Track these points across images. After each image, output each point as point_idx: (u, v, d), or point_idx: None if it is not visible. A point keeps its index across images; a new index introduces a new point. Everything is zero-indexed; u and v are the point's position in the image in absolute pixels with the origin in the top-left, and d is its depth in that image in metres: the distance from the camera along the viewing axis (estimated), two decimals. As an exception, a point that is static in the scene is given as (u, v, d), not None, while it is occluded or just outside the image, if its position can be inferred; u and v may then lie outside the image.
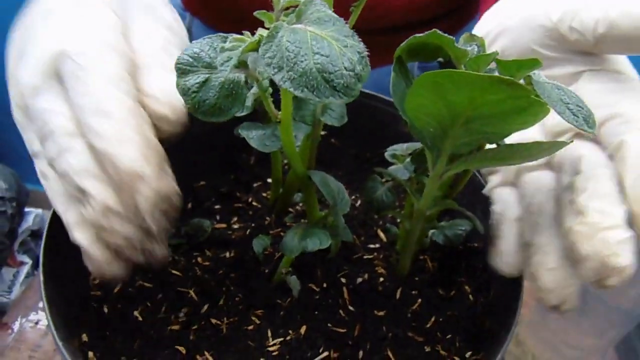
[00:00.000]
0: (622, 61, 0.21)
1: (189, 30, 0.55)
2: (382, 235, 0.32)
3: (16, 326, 0.49)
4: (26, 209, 0.71)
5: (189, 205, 0.36)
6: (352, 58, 0.14)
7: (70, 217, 0.20)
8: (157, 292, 0.29)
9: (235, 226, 0.34)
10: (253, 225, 0.33)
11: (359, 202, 0.34)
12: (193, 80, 0.17)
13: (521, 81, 0.17)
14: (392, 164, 0.27)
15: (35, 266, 0.70)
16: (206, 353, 0.25)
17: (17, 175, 0.67)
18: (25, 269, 0.67)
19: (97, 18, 0.20)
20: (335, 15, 0.15)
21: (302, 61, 0.14)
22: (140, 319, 0.28)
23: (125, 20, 0.22)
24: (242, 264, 0.30)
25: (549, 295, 0.19)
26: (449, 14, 0.43)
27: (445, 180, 0.20)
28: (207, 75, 0.17)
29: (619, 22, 0.19)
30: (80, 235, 0.20)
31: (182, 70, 0.17)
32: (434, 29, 0.17)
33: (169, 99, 0.20)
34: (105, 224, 0.19)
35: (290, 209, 0.33)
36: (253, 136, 0.22)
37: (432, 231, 0.28)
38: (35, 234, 0.71)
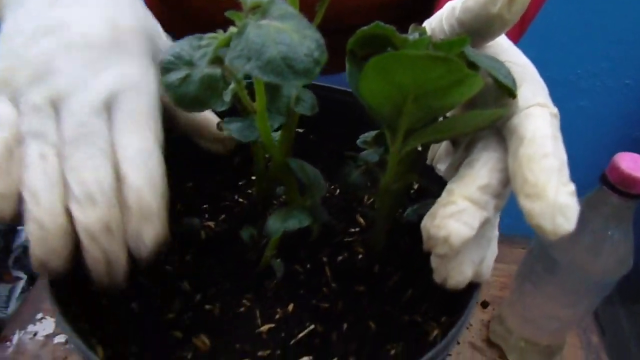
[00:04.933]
0: (501, 46, 0.24)
1: None
2: (360, 220, 0.34)
3: (15, 339, 0.50)
4: (18, 227, 0.72)
5: (179, 207, 0.38)
6: (310, 46, 0.17)
7: (46, 201, 0.21)
8: (151, 286, 0.31)
9: (223, 222, 0.36)
10: (240, 219, 0.35)
11: (337, 191, 0.36)
12: (175, 76, 0.20)
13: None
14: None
15: (30, 281, 0.71)
16: (202, 335, 0.27)
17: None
18: (21, 285, 0.68)
19: (143, 52, 0.24)
20: (295, 11, 0.18)
21: (266, 51, 0.16)
22: (136, 310, 0.29)
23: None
24: (230, 255, 0.32)
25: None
26: (411, 17, 0.46)
27: (404, 156, 0.22)
28: (187, 72, 0.20)
29: (466, 19, 0.21)
30: (49, 220, 0.21)
31: (166, 68, 0.20)
32: (376, 21, 0.20)
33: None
34: (97, 235, 0.21)
35: (275, 202, 0.35)
36: (233, 128, 0.24)
37: (407, 211, 0.31)
38: (28, 250, 0.71)
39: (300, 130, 0.39)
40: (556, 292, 0.42)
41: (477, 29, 0.22)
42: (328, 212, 0.32)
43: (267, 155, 0.34)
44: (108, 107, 0.22)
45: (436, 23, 0.24)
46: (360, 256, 0.30)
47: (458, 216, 0.19)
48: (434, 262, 0.21)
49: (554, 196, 0.18)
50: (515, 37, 0.38)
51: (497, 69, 0.20)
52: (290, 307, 0.28)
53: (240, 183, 0.39)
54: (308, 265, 0.29)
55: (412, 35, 0.22)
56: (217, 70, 0.20)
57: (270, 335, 0.27)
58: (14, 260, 0.69)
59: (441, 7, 0.33)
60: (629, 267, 0.40)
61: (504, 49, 0.24)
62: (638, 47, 1.06)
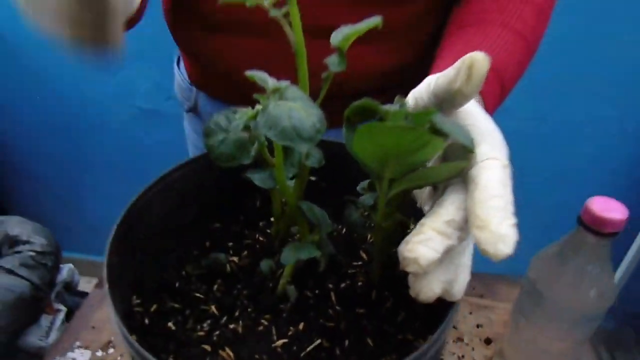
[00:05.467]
0: (469, 112, 0.29)
1: (196, 102, 0.66)
2: (363, 255, 0.39)
3: (56, 365, 0.56)
4: (61, 265, 0.79)
5: (207, 244, 0.44)
6: (314, 120, 0.23)
7: None
8: (185, 310, 0.37)
9: (246, 257, 0.42)
10: (260, 255, 0.41)
11: (344, 230, 0.42)
12: (215, 139, 0.26)
13: (428, 125, 0.26)
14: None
15: (69, 314, 0.77)
16: (227, 349, 0.33)
17: (52, 234, 0.76)
18: (61, 317, 0.74)
19: None
20: (304, 94, 0.25)
21: (282, 123, 0.23)
22: (173, 328, 0.35)
23: None
24: (252, 284, 0.38)
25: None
26: (402, 85, 0.53)
27: (390, 199, 0.28)
28: (224, 136, 0.27)
29: (438, 92, 0.27)
30: None
31: (209, 133, 0.26)
32: (365, 98, 0.26)
33: None
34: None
35: (290, 239, 0.41)
36: (256, 177, 0.31)
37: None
38: (68, 286, 0.78)
39: (313, 179, 0.45)
40: (545, 325, 0.46)
41: (447, 100, 0.28)
42: (335, 248, 0.38)
43: (283, 200, 0.40)
44: None
45: (418, 94, 0.31)
46: (360, 284, 0.35)
47: (426, 243, 0.25)
48: (410, 280, 0.26)
49: (497, 228, 0.23)
50: (496, 101, 0.45)
51: (458, 133, 0.26)
52: (301, 325, 0.33)
53: (261, 224, 0.46)
54: (317, 291, 0.35)
55: (395, 105, 0.28)
56: (245, 136, 0.27)
57: (284, 349, 0.32)
58: (56, 295, 0.75)
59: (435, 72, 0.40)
60: (611, 302, 0.44)
61: (470, 115, 0.30)
62: (636, 95, 1.11)
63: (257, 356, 0.32)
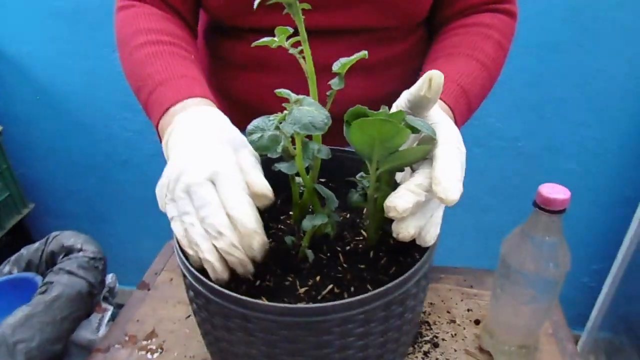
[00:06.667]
0: (435, 115, 0.41)
1: None
2: (364, 233, 0.51)
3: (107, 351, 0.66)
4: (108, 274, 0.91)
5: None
6: (323, 117, 0.35)
7: (204, 246, 0.38)
8: (231, 279, 0.48)
9: (272, 242, 0.53)
10: (283, 239, 0.52)
11: (349, 215, 0.53)
12: (256, 136, 0.39)
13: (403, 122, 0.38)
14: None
15: (114, 313, 0.87)
16: (262, 298, 0.43)
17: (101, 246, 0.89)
18: (108, 314, 0.84)
19: (228, 154, 0.41)
20: (316, 102, 0.37)
21: (302, 120, 0.35)
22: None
23: (236, 150, 0.42)
24: (279, 256, 0.49)
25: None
26: None
27: (379, 176, 0.40)
28: (262, 134, 0.39)
29: (411, 99, 0.39)
30: (210, 256, 0.38)
31: (251, 132, 0.39)
32: (357, 104, 0.38)
33: (261, 187, 0.40)
34: (230, 252, 0.38)
35: (306, 223, 0.52)
36: (283, 166, 0.43)
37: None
38: (111, 291, 0.90)
39: (323, 180, 0.57)
40: (515, 292, 0.56)
41: (417, 104, 0.41)
42: (343, 228, 0.49)
43: (300, 190, 0.52)
44: (212, 182, 0.39)
45: (399, 103, 0.43)
46: (361, 247, 0.46)
47: (400, 197, 0.37)
48: (393, 225, 0.38)
49: (447, 183, 0.35)
50: (463, 112, 0.57)
51: (423, 127, 0.38)
52: (318, 278, 0.44)
53: (282, 217, 0.57)
54: (328, 254, 0.46)
55: (382, 109, 0.40)
56: (277, 132, 0.39)
57: (305, 294, 0.43)
58: (103, 297, 0.86)
59: None
60: (567, 268, 0.54)
61: (436, 117, 0.42)
62: (615, 116, 1.23)
63: (285, 299, 0.43)
